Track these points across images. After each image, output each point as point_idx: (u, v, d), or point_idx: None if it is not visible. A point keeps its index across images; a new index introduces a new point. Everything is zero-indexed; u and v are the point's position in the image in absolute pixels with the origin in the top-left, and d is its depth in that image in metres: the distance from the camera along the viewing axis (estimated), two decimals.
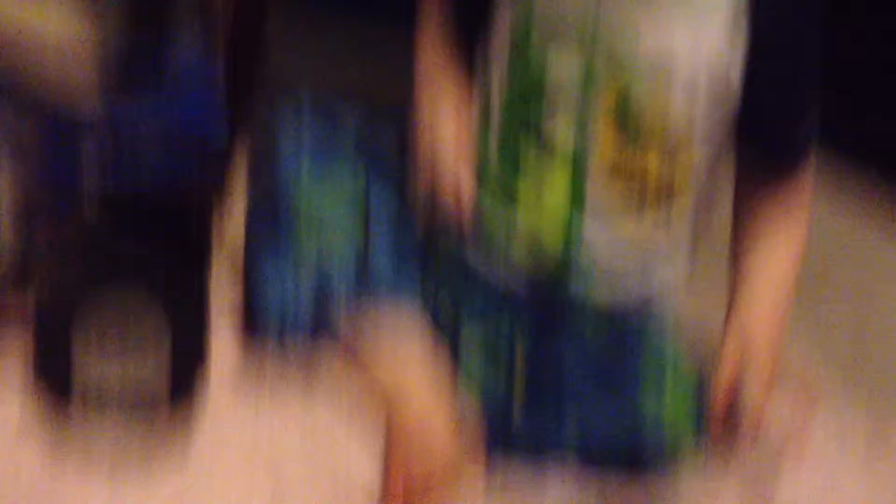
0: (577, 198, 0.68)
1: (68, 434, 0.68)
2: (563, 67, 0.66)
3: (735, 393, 0.68)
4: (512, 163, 0.70)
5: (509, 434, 0.70)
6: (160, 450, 0.69)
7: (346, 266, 0.71)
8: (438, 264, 0.73)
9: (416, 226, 0.73)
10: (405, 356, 0.71)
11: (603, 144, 0.67)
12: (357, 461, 0.72)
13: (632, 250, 0.70)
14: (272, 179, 0.72)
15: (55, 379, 0.69)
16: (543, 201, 0.69)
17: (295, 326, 0.72)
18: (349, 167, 0.73)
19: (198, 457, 0.70)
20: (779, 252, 0.71)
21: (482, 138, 0.71)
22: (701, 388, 0.69)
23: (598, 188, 0.68)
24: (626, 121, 0.66)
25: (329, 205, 0.72)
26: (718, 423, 0.69)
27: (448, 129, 0.72)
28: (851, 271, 1.00)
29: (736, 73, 0.65)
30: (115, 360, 0.69)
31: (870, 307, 0.95)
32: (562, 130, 0.67)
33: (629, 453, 0.69)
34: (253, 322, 0.74)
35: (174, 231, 0.71)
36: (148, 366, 0.69)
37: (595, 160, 0.67)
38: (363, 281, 0.71)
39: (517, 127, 0.69)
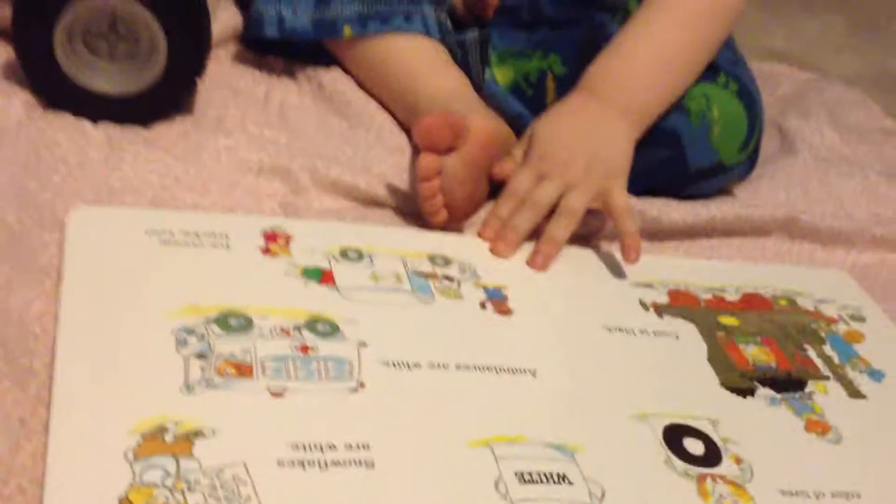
0: None
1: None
2: None
3: None
4: None
5: None
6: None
7: None
8: None
9: None
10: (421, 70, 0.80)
11: None
12: (376, 154, 0.79)
13: None
14: None
15: (41, 84, 0.72)
16: None
17: (296, 29, 0.80)
18: None
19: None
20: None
21: None
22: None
23: None
24: None
25: None
26: None
27: None
28: None
29: None
30: (105, 69, 0.71)
31: None
32: None
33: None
34: (254, 24, 0.82)
35: None
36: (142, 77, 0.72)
37: None
38: None
39: None
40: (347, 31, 0.82)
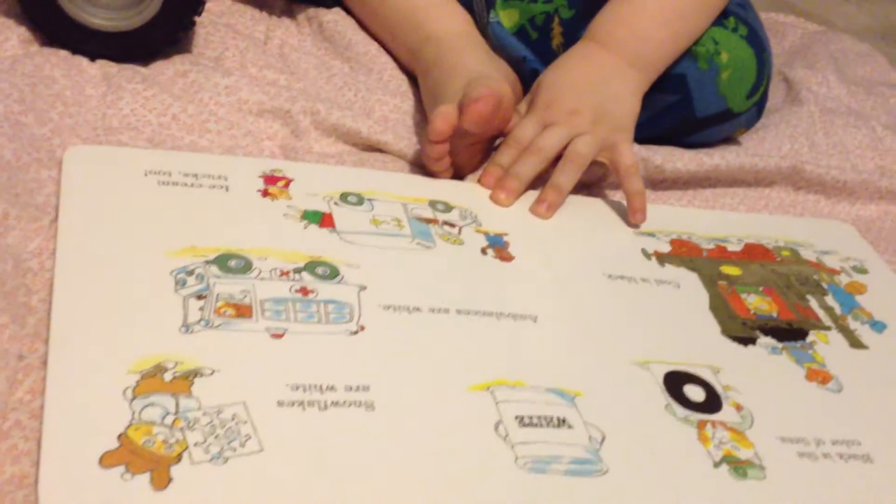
0: None
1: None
2: None
3: None
4: None
5: None
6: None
7: None
8: None
9: None
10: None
11: None
12: (378, 98, 0.78)
13: None
14: None
15: (38, 19, 0.71)
16: None
17: None
18: None
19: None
20: None
21: None
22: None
23: None
24: None
25: None
26: None
27: None
28: None
29: None
30: (102, 5, 0.71)
31: None
32: None
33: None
34: None
35: None
36: (140, 13, 0.71)
37: None
38: None
39: None
40: None
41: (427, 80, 0.77)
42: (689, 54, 0.78)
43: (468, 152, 0.72)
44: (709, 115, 0.81)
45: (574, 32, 0.79)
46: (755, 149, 0.87)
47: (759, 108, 0.84)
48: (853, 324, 0.70)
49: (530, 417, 0.54)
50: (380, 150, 0.75)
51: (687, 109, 0.80)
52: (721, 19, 0.79)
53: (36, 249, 0.56)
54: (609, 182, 0.77)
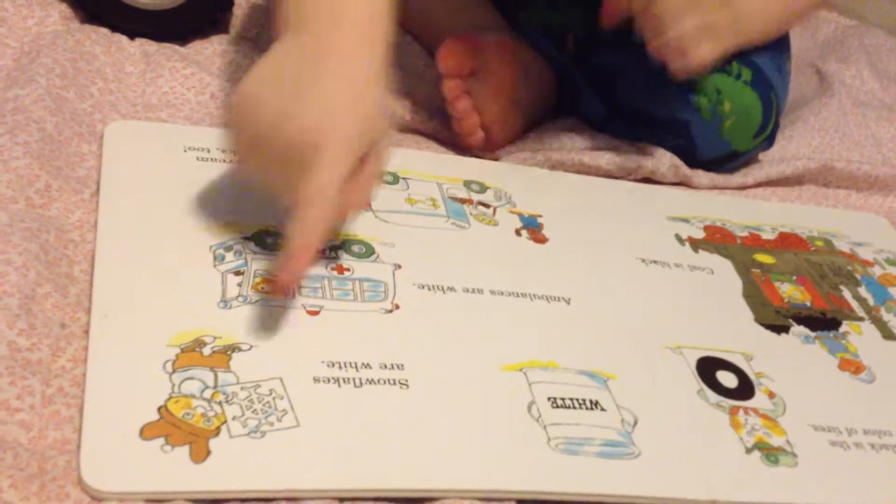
0: None
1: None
2: None
3: None
4: None
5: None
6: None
7: None
8: None
9: None
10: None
11: None
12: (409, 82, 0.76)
13: None
14: None
15: None
16: None
17: None
18: None
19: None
20: None
21: None
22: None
23: None
24: None
25: None
26: None
27: None
28: None
29: None
30: None
31: None
32: None
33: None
34: None
35: None
36: None
37: None
38: None
39: None
40: None
41: None
42: (690, 104, 0.76)
43: (493, 109, 0.71)
44: (712, 157, 0.79)
45: (585, 49, 0.78)
46: (784, 143, 0.86)
47: (769, 141, 0.81)
48: (886, 315, 0.69)
49: (563, 399, 0.54)
50: (413, 133, 0.75)
51: (690, 152, 0.78)
52: (724, 66, 0.75)
53: (77, 221, 0.57)
54: (645, 171, 0.77)
